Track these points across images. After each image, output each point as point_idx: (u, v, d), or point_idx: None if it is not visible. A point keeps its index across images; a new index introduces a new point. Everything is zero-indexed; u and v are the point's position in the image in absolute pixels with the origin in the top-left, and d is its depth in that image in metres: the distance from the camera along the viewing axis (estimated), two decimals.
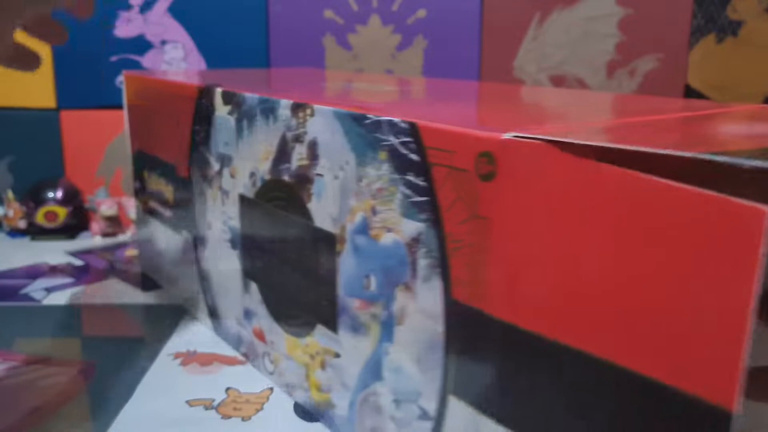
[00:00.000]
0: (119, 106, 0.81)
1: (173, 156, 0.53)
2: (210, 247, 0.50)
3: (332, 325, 0.36)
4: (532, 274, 0.24)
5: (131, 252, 0.74)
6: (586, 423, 0.23)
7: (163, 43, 0.80)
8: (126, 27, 0.80)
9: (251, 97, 0.41)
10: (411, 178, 0.29)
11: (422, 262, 0.29)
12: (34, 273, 0.67)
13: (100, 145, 0.82)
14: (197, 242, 0.52)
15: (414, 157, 0.28)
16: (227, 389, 0.44)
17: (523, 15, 0.79)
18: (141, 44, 0.80)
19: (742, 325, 0.18)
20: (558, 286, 0.23)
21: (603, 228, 0.21)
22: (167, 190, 0.56)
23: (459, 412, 0.28)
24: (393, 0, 0.80)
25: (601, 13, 0.77)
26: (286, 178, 0.38)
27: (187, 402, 0.42)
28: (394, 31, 0.81)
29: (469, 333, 0.27)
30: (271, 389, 0.44)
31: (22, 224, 0.79)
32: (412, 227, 0.29)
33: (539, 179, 0.23)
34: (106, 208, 0.78)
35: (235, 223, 0.45)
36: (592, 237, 0.22)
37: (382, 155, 0.30)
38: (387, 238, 0.31)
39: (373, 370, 0.34)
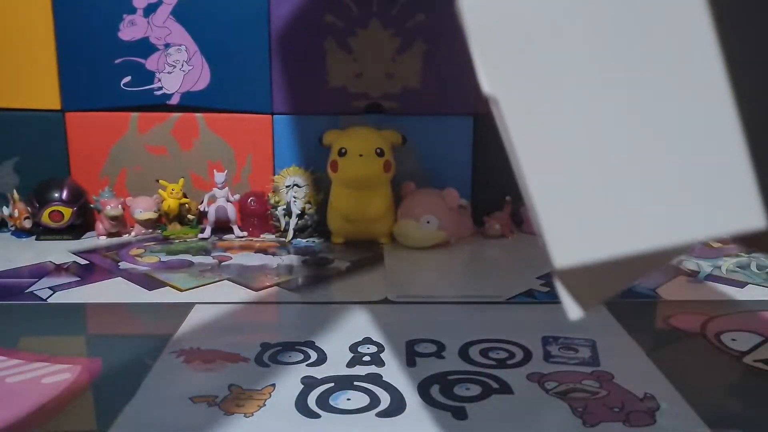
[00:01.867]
0: (123, 109, 0.82)
1: None
2: None
3: None
4: None
5: (136, 251, 0.74)
6: None
7: (167, 46, 0.81)
8: (130, 30, 0.80)
9: None
10: None
11: None
12: (39, 272, 0.68)
13: (104, 146, 0.83)
14: None
15: None
16: (230, 386, 0.44)
17: None
18: (145, 47, 0.81)
19: None
20: None
21: None
22: None
23: None
24: (393, 4, 0.81)
25: None
26: None
27: (191, 398, 0.43)
28: (394, 34, 0.81)
29: None
30: (273, 386, 0.44)
31: (27, 224, 0.80)
32: None
33: None
34: (111, 208, 0.79)
35: None
36: None
37: None
38: None
39: None
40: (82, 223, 0.81)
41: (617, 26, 0.17)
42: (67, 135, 0.82)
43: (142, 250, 0.75)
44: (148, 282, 0.65)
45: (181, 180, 0.81)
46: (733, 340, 0.52)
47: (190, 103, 0.82)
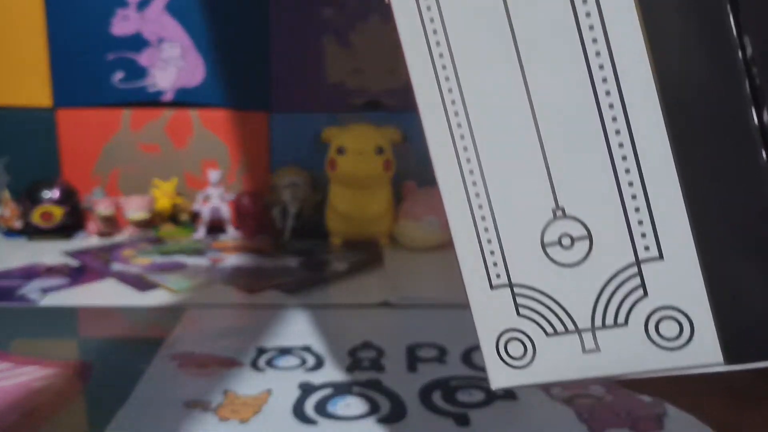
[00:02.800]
0: (116, 105, 0.81)
1: None
2: None
3: None
4: None
5: (128, 252, 0.73)
6: None
7: (161, 41, 0.80)
8: (123, 25, 0.79)
9: None
10: None
11: None
12: (30, 273, 0.67)
13: (96, 144, 0.82)
14: None
15: None
16: (225, 391, 0.44)
17: None
18: (138, 42, 0.80)
19: None
20: None
21: None
22: None
23: None
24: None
25: None
26: None
27: (185, 404, 0.42)
28: (394, 28, 0.81)
29: None
30: (269, 391, 0.44)
31: (18, 224, 0.79)
32: None
33: None
34: (103, 208, 0.78)
35: None
36: None
37: None
38: None
39: None
40: (73, 223, 0.80)
41: None
42: (58, 133, 0.81)
43: (135, 251, 0.74)
44: (141, 283, 0.64)
45: (175, 179, 0.80)
46: None
47: (184, 99, 0.81)
